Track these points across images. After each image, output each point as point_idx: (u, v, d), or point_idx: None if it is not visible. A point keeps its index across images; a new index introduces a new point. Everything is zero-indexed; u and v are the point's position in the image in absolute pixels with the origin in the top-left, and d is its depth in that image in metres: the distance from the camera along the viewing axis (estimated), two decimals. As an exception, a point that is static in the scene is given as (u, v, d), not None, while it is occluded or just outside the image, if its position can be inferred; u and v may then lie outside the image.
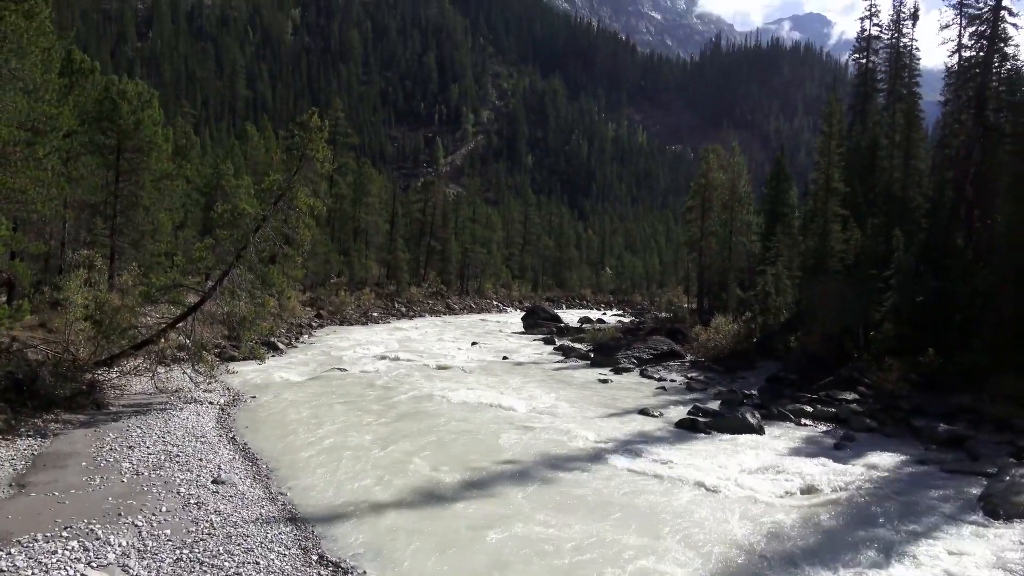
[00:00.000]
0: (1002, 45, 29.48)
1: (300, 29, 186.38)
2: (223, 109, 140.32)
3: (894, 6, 38.97)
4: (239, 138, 65.84)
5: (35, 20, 19.52)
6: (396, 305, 58.45)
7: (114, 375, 20.03)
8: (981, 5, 29.99)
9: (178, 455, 14.15)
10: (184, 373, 20.75)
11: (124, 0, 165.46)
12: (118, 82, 31.39)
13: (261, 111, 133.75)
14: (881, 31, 39.90)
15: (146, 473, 12.88)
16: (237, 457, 14.59)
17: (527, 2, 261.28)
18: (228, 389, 21.78)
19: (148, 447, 14.56)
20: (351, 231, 63.54)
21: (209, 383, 20.93)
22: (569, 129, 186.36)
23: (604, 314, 70.56)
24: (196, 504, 11.45)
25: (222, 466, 13.69)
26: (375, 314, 52.35)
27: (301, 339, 36.58)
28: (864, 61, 40.39)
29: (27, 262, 24.35)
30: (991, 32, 29.51)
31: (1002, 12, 29.33)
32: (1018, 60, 29.56)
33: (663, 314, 56.18)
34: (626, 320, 58.95)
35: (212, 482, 12.64)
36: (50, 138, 20.48)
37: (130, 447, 14.44)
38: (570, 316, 61.32)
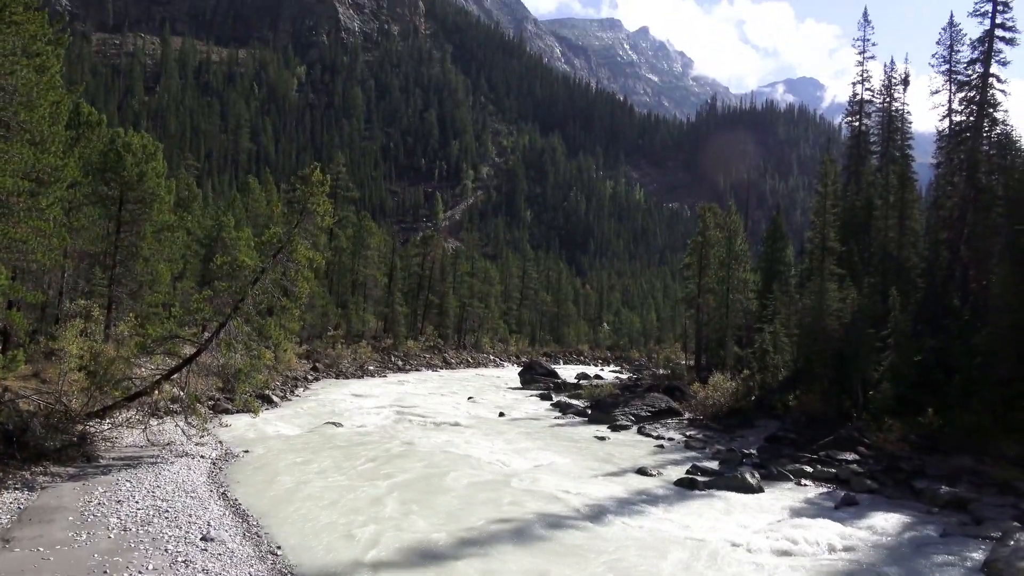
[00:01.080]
0: (991, 110, 30.17)
1: (305, 86, 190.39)
2: (226, 162, 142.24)
3: (885, 72, 40.06)
4: (241, 191, 66.55)
5: (46, 74, 19.96)
6: (393, 359, 58.16)
7: (106, 427, 19.77)
8: (970, 72, 30.80)
9: (167, 510, 13.87)
10: (177, 426, 20.51)
11: (133, 56, 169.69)
12: (124, 134, 31.88)
13: (264, 164, 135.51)
14: (873, 95, 40.94)
15: (134, 529, 12.60)
16: (227, 513, 14.29)
17: (528, 63, 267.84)
18: (221, 443, 21.49)
19: (137, 502, 14.28)
20: (349, 284, 63.67)
21: (202, 436, 20.65)
22: (568, 186, 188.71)
23: (601, 370, 70.20)
24: (184, 562, 11.17)
25: (212, 522, 13.41)
26: (372, 368, 52.04)
27: (296, 392, 36.27)
28: (857, 124, 41.29)
29: (24, 311, 24.32)
30: (980, 98, 30.22)
31: (990, 79, 30.10)
32: (1008, 124, 30.21)
33: (661, 371, 55.94)
34: (624, 376, 58.62)
35: (201, 539, 12.36)
36: (54, 189, 20.67)
37: (119, 501, 14.16)
38: (567, 372, 61.01)
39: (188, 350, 20.23)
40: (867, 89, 41.00)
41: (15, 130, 18.73)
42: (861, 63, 40.62)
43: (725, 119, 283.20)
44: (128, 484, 15.49)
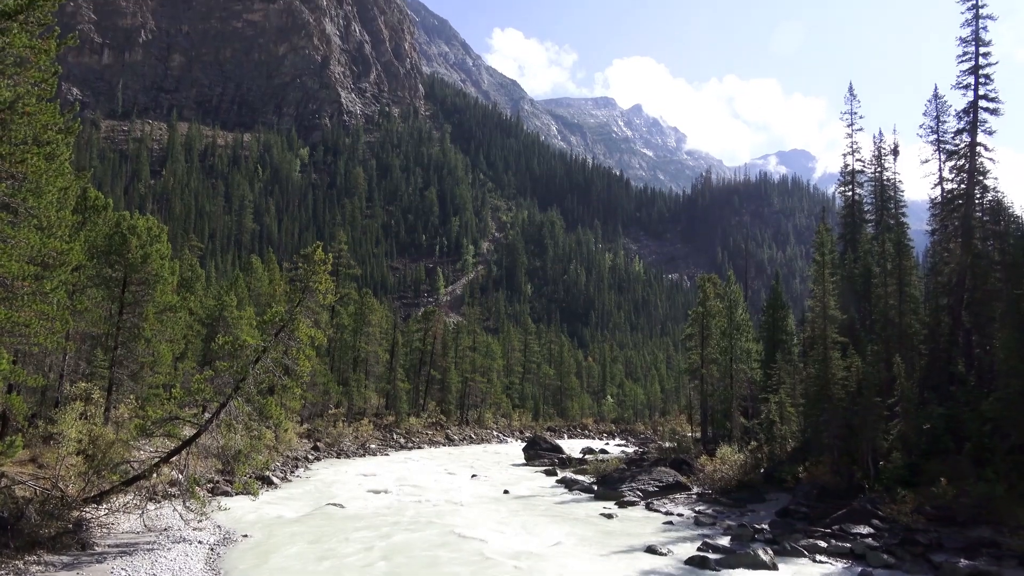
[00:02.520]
0: (981, 178, 30.73)
1: (308, 167, 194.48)
2: (230, 242, 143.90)
3: (875, 143, 40.99)
4: (244, 270, 67.08)
5: (55, 162, 20.45)
6: (395, 436, 57.41)
7: (102, 512, 19.36)
8: (958, 142, 31.53)
9: (163, 600, 13.45)
10: (175, 510, 20.07)
11: (140, 141, 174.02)
12: (129, 217, 32.37)
13: (267, 244, 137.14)
14: (864, 165, 41.78)
15: (128, 620, 12.19)
16: (225, 601, 13.85)
17: (525, 141, 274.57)
18: (219, 527, 21.00)
19: (132, 591, 13.86)
20: (351, 361, 63.43)
21: (200, 520, 20.19)
22: (567, 259, 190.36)
23: (607, 444, 69.13)
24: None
25: (208, 612, 12.97)
26: (373, 445, 51.31)
27: (297, 472, 35.65)
28: (850, 194, 42.00)
29: (24, 394, 24.17)
30: (970, 166, 30.84)
31: (978, 147, 30.78)
32: (998, 191, 30.71)
33: (667, 444, 55.04)
34: (629, 450, 57.70)
35: (197, 630, 11.94)
36: (58, 272, 20.88)
37: (113, 591, 13.74)
38: (572, 446, 60.07)
39: (188, 431, 20.01)
40: (858, 160, 41.90)
41: (23, 215, 19.07)
42: (850, 135, 41.63)
43: (720, 191, 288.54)
44: (123, 573, 15.06)
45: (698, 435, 47.95)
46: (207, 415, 20.26)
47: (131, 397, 29.12)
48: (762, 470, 31.17)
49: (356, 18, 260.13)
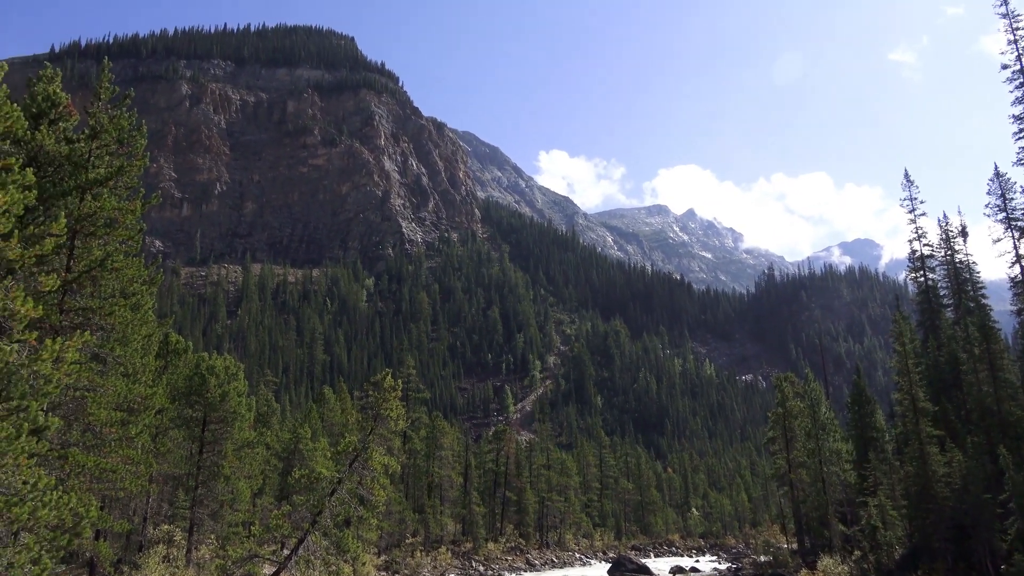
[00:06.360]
0: (1062, 252, 29.51)
1: (373, 296, 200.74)
2: (302, 374, 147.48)
3: (940, 226, 40.14)
4: (316, 401, 68.21)
5: (140, 311, 21.72)
6: (474, 564, 55.53)
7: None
8: (1029, 217, 30.60)
9: None
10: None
11: (217, 284, 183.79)
12: (208, 358, 33.69)
13: (338, 374, 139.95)
14: (933, 249, 40.72)
15: None
16: None
17: (582, 254, 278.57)
18: (300, 671, 20.35)
19: None
20: (425, 487, 62.63)
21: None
22: (635, 367, 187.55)
23: (697, 560, 65.27)
24: None
25: None
26: (452, 575, 49.67)
27: (376, 608, 34.59)
28: (922, 279, 40.77)
29: (110, 539, 24.55)
30: (1048, 241, 29.73)
31: (1053, 222, 29.76)
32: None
33: (761, 557, 51.66)
34: (722, 567, 54.29)
35: None
36: (143, 417, 21.71)
37: None
38: (660, 566, 56.90)
39: (268, 570, 19.86)
40: (926, 244, 40.92)
41: (111, 364, 20.11)
42: (913, 220, 40.90)
43: (785, 287, 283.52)
44: None
45: (794, 546, 44.94)
46: (286, 551, 20.13)
47: (212, 537, 29.25)
48: (870, 582, 28.80)
49: (412, 153, 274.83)
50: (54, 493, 11.53)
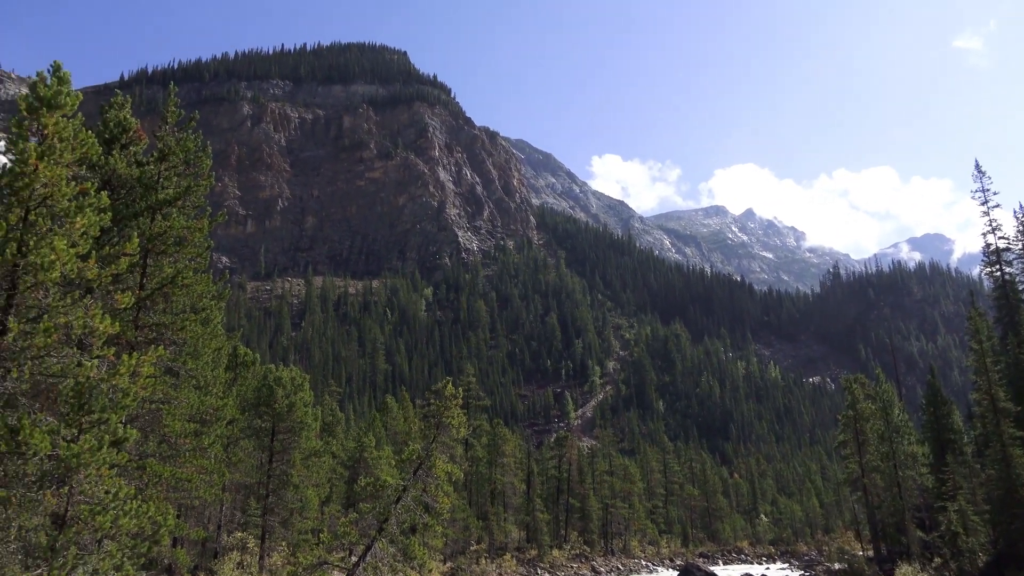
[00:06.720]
0: None
1: (432, 305, 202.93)
2: (365, 384, 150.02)
3: (1016, 217, 38.31)
4: (379, 410, 69.23)
5: (209, 326, 22.49)
6: (539, 571, 55.38)
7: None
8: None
9: None
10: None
11: (282, 297, 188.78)
12: (275, 370, 34.60)
13: (399, 383, 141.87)
14: (1009, 242, 38.92)
15: None
16: None
17: (639, 258, 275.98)
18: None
19: None
20: (488, 494, 62.84)
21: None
22: (697, 371, 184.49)
23: (767, 568, 63.66)
24: None
25: None
26: (517, 583, 49.63)
27: (442, 615, 34.83)
28: (998, 274, 39.00)
29: (186, 547, 25.40)
30: None
31: None
32: None
33: (835, 565, 50.04)
34: (794, 575, 52.80)
35: None
36: (215, 427, 22.43)
37: None
38: (730, 573, 55.72)
39: (337, 575, 20.22)
40: (1001, 237, 39.12)
41: (183, 377, 20.85)
42: (986, 212, 39.17)
43: (852, 285, 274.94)
44: None
45: (870, 554, 43.43)
46: (354, 558, 20.45)
47: (283, 543, 29.95)
48: (953, 590, 27.59)
49: (466, 163, 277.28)
50: (134, 502, 11.99)
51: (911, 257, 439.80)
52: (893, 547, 38.79)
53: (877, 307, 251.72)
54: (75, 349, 12.28)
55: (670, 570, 60.62)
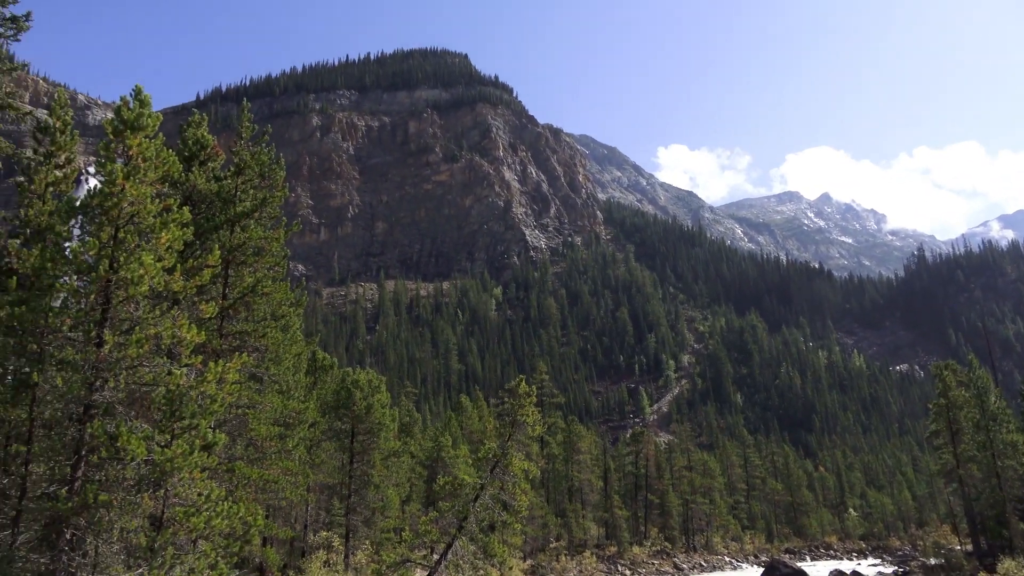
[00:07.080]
0: None
1: (502, 304, 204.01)
2: (439, 384, 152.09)
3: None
4: (455, 410, 70.05)
5: (289, 332, 23.19)
6: (619, 568, 54.98)
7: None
8: None
9: None
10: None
11: (356, 302, 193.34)
12: (352, 373, 35.45)
13: (472, 382, 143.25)
14: (1116, 214, 36.27)
15: None
16: None
17: (711, 249, 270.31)
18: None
19: None
20: (566, 491, 62.80)
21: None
22: (776, 362, 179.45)
23: (858, 564, 61.41)
24: None
25: None
26: (598, 580, 49.40)
27: (525, 612, 34.98)
28: (1105, 248, 36.40)
29: (275, 546, 26.29)
30: None
31: None
32: None
33: (931, 560, 47.85)
34: (887, 571, 50.82)
35: None
36: (298, 430, 23.13)
37: None
38: (818, 570, 54.03)
39: (419, 573, 20.57)
40: (1106, 209, 36.52)
41: (267, 382, 21.58)
42: (1089, 183, 36.62)
43: (939, 268, 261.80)
44: None
45: (968, 548, 41.39)
46: (435, 556, 20.76)
47: (366, 542, 30.67)
48: (1063, 587, 25.99)
49: (531, 161, 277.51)
50: (225, 504, 12.48)
51: (1003, 235, 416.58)
52: (993, 541, 36.84)
53: (967, 289, 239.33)
54: (165, 358, 12.88)
55: (755, 566, 59.24)
